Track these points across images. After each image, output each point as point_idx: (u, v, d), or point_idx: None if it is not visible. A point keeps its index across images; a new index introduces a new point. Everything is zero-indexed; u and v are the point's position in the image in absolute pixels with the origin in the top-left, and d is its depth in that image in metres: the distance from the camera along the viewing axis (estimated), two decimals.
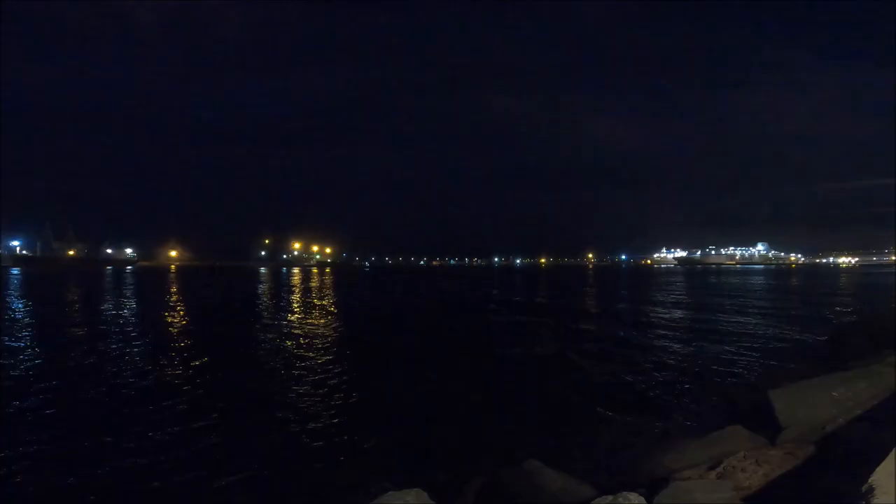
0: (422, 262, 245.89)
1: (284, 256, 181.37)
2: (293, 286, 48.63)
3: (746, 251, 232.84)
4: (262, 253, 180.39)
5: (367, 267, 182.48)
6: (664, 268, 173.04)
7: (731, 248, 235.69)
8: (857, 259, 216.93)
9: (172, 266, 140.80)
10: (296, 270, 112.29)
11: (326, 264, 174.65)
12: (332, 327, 18.99)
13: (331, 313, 24.19)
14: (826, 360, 10.66)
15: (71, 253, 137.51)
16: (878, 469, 2.98)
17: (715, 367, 11.51)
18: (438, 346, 15.40)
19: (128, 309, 25.31)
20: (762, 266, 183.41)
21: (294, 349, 14.10)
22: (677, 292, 40.13)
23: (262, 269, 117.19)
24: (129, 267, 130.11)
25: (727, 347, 14.06)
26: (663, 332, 17.31)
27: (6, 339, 15.06)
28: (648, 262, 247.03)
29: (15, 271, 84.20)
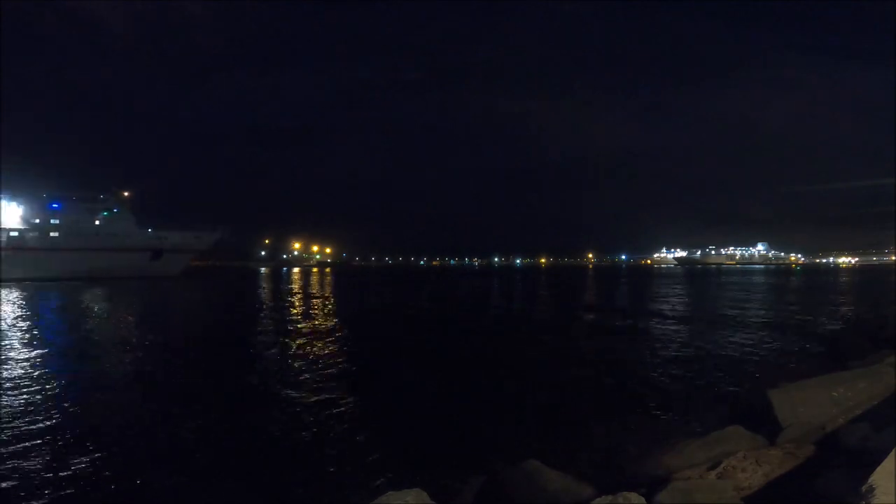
0: (421, 262, 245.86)
1: (284, 256, 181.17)
2: (293, 287, 48.62)
3: (746, 251, 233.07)
4: (262, 253, 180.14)
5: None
6: (664, 268, 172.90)
7: (731, 248, 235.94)
8: (857, 259, 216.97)
9: None
10: (296, 270, 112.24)
11: (326, 264, 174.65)
12: (332, 328, 18.98)
13: (331, 315, 24.19)
14: (826, 360, 10.68)
15: None
16: (878, 469, 2.98)
17: (714, 368, 11.50)
18: (438, 347, 15.39)
19: (129, 308, 25.31)
20: (762, 266, 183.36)
21: (293, 349, 14.09)
22: (679, 293, 40.13)
23: (263, 269, 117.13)
24: None
25: (727, 347, 14.06)
26: (663, 332, 17.30)
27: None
28: (648, 262, 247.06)
29: None
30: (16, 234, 51.21)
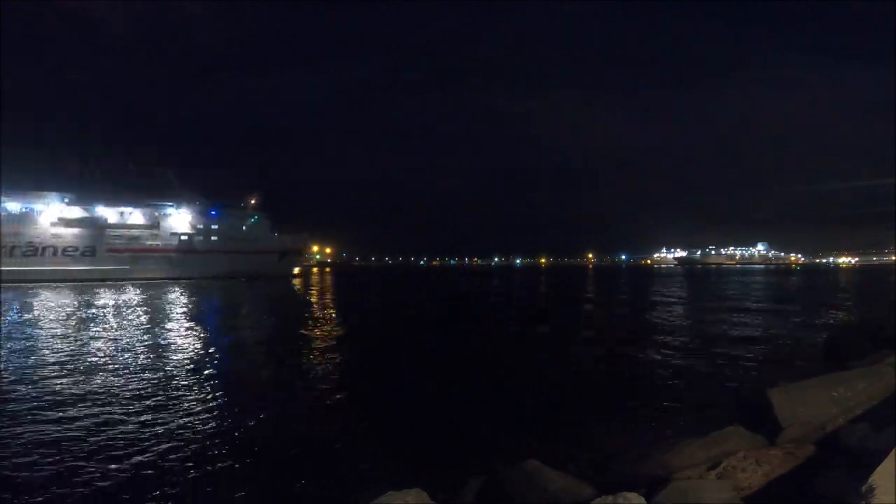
0: (421, 262, 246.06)
1: None
2: (293, 286, 48.62)
3: (746, 251, 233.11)
4: None
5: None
6: (664, 268, 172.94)
7: (731, 248, 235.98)
8: (857, 259, 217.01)
9: None
10: (296, 270, 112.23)
11: (326, 264, 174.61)
12: (331, 328, 18.98)
13: (331, 314, 24.19)
14: (826, 360, 10.67)
15: None
16: (878, 469, 2.98)
17: (714, 368, 11.50)
18: (438, 347, 15.40)
19: (128, 305, 25.29)
20: (762, 266, 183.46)
21: (293, 349, 14.09)
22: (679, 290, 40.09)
23: None
24: None
25: (727, 347, 14.05)
26: (662, 332, 17.29)
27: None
28: (648, 262, 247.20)
29: None
30: (185, 238, 57.66)
